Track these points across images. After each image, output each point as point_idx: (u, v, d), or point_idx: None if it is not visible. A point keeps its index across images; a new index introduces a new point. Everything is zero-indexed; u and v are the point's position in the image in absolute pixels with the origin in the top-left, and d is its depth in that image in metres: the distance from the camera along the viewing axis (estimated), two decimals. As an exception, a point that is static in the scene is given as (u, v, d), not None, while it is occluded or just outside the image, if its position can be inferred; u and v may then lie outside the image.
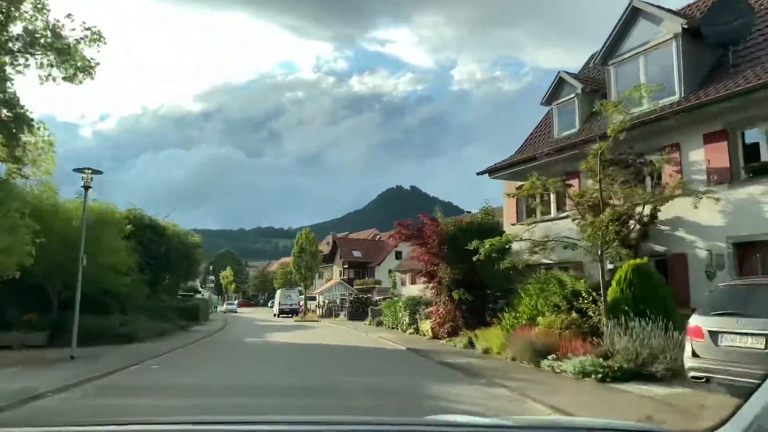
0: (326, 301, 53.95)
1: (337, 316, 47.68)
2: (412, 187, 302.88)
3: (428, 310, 24.70)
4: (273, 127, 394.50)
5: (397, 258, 75.28)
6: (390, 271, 73.57)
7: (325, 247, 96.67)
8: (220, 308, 76.26)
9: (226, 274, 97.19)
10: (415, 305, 27.64)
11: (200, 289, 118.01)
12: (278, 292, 56.78)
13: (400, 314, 29.49)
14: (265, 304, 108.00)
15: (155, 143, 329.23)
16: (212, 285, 47.76)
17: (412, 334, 26.19)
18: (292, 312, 52.74)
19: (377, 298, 47.23)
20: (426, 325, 23.88)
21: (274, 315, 55.48)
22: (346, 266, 77.21)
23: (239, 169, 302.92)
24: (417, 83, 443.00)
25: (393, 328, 30.79)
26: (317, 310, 57.77)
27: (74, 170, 15.95)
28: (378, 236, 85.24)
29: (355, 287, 61.59)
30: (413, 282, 57.39)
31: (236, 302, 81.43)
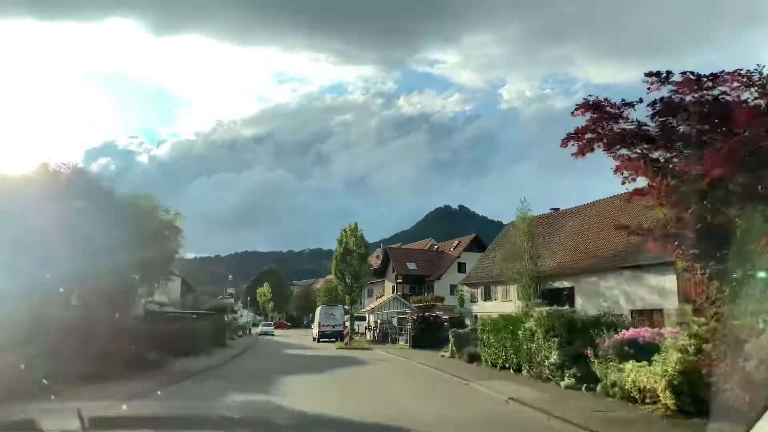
0: (378, 322, 42.18)
1: (394, 341, 35.96)
2: (460, 207, 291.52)
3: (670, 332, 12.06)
4: (321, 150, 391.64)
5: (460, 271, 63.46)
6: (455, 287, 61.81)
7: (374, 261, 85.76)
8: (255, 330, 66.08)
9: (263, 291, 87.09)
10: (576, 326, 14.88)
11: (237, 307, 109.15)
12: (318, 309, 45.19)
13: (528, 345, 16.73)
14: (309, 326, 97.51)
15: (208, 168, 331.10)
16: (230, 297, 36.92)
17: (577, 389, 13.42)
18: (335, 336, 41.40)
19: (442, 315, 35.81)
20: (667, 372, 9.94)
21: (313, 339, 44.38)
22: (399, 281, 65.95)
23: (289, 191, 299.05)
24: (465, 103, 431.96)
25: (504, 367, 18.56)
26: (366, 333, 46.56)
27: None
28: (436, 246, 73.66)
29: (411, 304, 50.22)
30: (487, 297, 45.41)
31: (272, 323, 70.69)
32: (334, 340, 41.02)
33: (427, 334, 30.87)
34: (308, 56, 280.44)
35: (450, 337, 24.31)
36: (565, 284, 37.25)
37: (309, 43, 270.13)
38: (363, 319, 50.19)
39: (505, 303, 42.23)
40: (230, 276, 66.13)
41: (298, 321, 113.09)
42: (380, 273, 67.93)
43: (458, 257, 64.69)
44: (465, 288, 50.75)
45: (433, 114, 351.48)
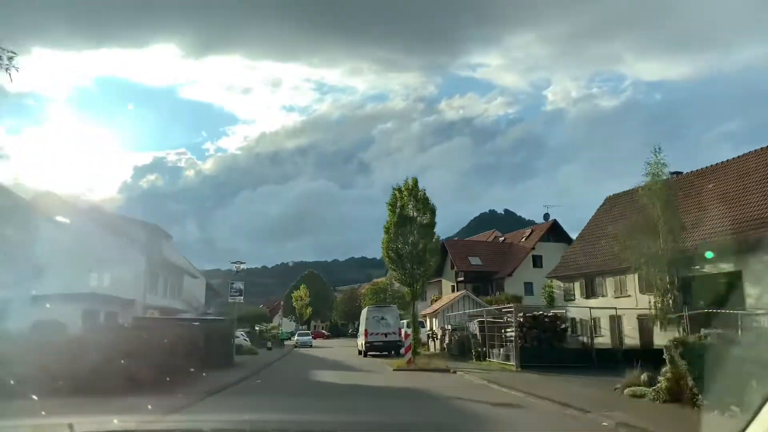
0: (449, 328, 30.39)
1: (481, 356, 24.10)
2: (506, 211, 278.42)
3: None
4: (363, 158, 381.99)
5: (536, 266, 51.88)
6: (530, 284, 50.19)
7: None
8: (291, 340, 56.05)
9: (299, 294, 76.79)
10: None
11: (276, 318, 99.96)
12: (363, 313, 33.80)
13: None
14: (355, 335, 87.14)
15: (253, 180, 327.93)
16: (238, 295, 26.52)
17: None
18: (389, 348, 30.24)
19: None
20: None
21: (359, 352, 33.62)
22: (460, 279, 54.75)
23: (332, 201, 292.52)
24: (508, 106, 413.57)
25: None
26: (429, 342, 35.55)
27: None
28: (501, 238, 62.12)
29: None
30: (590, 293, 33.82)
31: (311, 333, 60.09)
32: (387, 353, 30.08)
33: (544, 346, 19.69)
34: (350, 66, 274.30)
35: (675, 357, 10.75)
36: (724, 268, 25.63)
37: (351, 53, 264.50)
38: (421, 325, 39.31)
39: (622, 299, 30.64)
40: (240, 265, 56.82)
41: (343, 330, 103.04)
42: (435, 271, 57.15)
43: (533, 249, 53.11)
44: (555, 282, 39.27)
45: (476, 118, 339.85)
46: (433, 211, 27.50)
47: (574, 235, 45.36)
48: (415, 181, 27.73)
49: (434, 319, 40.54)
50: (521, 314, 21.05)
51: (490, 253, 56.45)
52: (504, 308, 25.73)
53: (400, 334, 29.65)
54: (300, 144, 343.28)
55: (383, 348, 30.44)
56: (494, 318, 24.93)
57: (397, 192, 27.62)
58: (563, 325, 22.19)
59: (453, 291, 53.90)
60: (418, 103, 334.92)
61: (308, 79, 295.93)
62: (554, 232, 54.24)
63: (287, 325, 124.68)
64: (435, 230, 28.64)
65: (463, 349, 25.43)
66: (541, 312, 22.58)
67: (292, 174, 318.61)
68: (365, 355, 31.18)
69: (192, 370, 17.39)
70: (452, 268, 55.25)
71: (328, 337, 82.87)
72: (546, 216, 58.17)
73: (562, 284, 37.16)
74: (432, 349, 33.89)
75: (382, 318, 31.18)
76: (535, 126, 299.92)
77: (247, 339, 39.71)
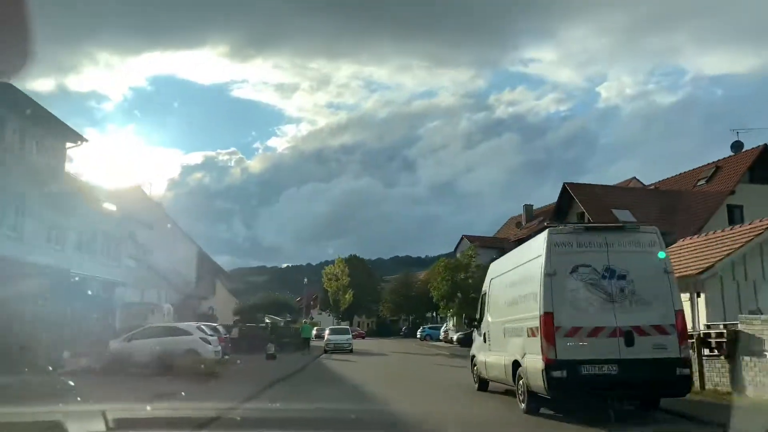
0: None
1: None
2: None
3: None
4: (407, 156, 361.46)
5: (732, 221, 29.74)
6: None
7: (512, 231, 53.60)
8: (315, 340, 35.36)
9: (334, 271, 55.31)
10: None
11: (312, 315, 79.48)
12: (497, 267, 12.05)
13: None
14: (410, 334, 66.60)
15: (297, 178, 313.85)
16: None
17: None
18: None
19: None
20: None
21: (476, 379, 12.93)
22: None
23: (377, 199, 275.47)
24: (561, 102, 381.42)
25: None
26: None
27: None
28: (653, 186, 39.52)
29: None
30: None
31: (350, 331, 37.47)
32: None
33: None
34: (399, 63, 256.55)
35: None
36: None
37: (399, 49, 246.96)
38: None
39: None
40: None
41: (391, 328, 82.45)
42: (558, 214, 35.80)
43: (731, 194, 30.92)
44: None
45: (526, 114, 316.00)
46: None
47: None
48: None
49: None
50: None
51: (646, 203, 34.35)
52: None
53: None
54: (345, 142, 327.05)
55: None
56: None
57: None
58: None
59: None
60: (466, 99, 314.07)
61: (356, 76, 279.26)
62: (764, 164, 31.90)
63: (325, 321, 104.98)
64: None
65: None
66: None
67: (337, 172, 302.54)
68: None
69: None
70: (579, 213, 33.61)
71: (364, 337, 61.99)
72: (737, 145, 35.47)
73: None
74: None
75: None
76: (588, 122, 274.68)
77: (212, 342, 19.92)
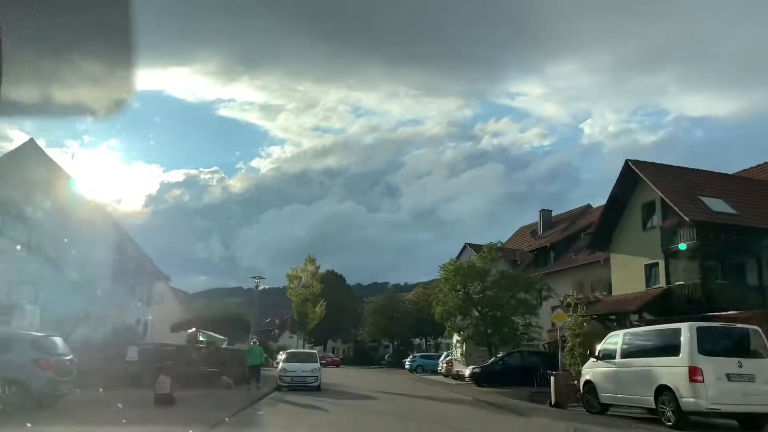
0: None
1: None
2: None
3: None
4: (391, 182, 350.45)
5: None
6: None
7: (523, 242, 44.38)
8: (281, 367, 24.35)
9: (297, 273, 43.34)
10: None
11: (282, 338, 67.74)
12: None
13: None
14: (395, 364, 55.66)
15: (278, 199, 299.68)
16: None
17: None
18: None
19: None
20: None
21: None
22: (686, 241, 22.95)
23: (358, 223, 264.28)
24: (544, 137, 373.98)
25: None
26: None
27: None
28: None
29: None
30: None
31: (318, 357, 24.41)
32: None
33: None
34: (388, 90, 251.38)
35: None
36: None
37: (389, 75, 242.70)
38: None
39: None
40: (259, 279, 26.61)
41: (374, 355, 71.28)
42: (605, 235, 25.36)
43: None
44: None
45: (511, 146, 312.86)
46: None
47: None
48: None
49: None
50: None
51: (737, 191, 24.57)
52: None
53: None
54: (329, 165, 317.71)
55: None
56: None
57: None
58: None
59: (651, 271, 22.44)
60: (452, 128, 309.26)
61: (344, 101, 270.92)
62: None
63: (298, 346, 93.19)
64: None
65: None
66: None
67: (319, 195, 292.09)
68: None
69: None
70: (664, 219, 23.44)
71: (337, 365, 51.70)
72: None
73: None
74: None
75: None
76: (570, 158, 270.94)
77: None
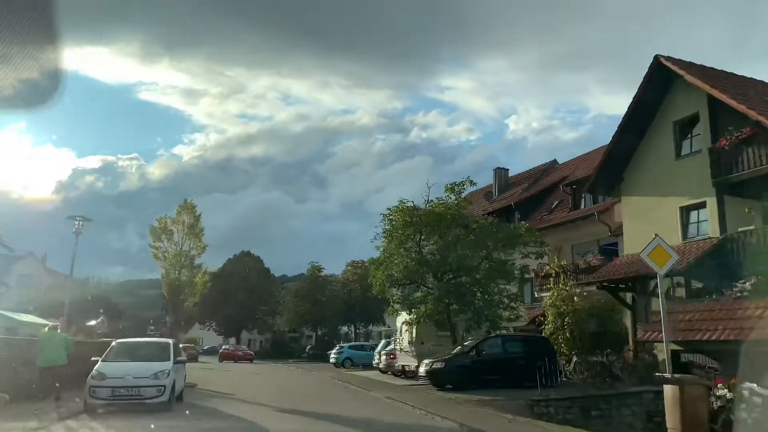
0: None
1: None
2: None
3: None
4: (319, 171, 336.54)
5: None
6: None
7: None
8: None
9: (166, 224, 31.05)
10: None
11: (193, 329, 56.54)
12: None
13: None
14: (318, 356, 45.97)
15: (201, 187, 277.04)
16: None
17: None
18: None
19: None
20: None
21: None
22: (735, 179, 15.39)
23: (286, 214, 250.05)
24: (471, 131, 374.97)
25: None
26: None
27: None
28: None
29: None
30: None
31: (173, 349, 12.08)
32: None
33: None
34: (319, 79, 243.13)
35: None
36: None
37: (321, 65, 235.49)
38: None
39: None
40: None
41: (294, 347, 61.74)
42: (611, 173, 17.33)
43: None
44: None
45: (439, 139, 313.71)
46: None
47: None
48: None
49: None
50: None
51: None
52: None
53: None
54: (255, 153, 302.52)
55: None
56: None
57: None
58: None
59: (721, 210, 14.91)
60: (382, 119, 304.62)
61: (274, 88, 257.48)
62: None
63: (209, 338, 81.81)
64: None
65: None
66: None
67: (244, 184, 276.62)
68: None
69: None
70: (714, 139, 15.84)
71: (251, 360, 42.73)
72: None
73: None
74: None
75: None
76: (496, 152, 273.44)
77: None
